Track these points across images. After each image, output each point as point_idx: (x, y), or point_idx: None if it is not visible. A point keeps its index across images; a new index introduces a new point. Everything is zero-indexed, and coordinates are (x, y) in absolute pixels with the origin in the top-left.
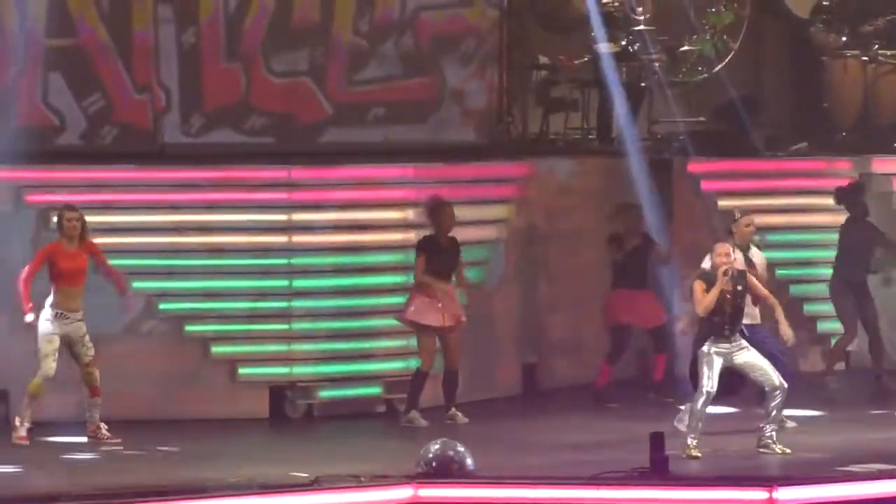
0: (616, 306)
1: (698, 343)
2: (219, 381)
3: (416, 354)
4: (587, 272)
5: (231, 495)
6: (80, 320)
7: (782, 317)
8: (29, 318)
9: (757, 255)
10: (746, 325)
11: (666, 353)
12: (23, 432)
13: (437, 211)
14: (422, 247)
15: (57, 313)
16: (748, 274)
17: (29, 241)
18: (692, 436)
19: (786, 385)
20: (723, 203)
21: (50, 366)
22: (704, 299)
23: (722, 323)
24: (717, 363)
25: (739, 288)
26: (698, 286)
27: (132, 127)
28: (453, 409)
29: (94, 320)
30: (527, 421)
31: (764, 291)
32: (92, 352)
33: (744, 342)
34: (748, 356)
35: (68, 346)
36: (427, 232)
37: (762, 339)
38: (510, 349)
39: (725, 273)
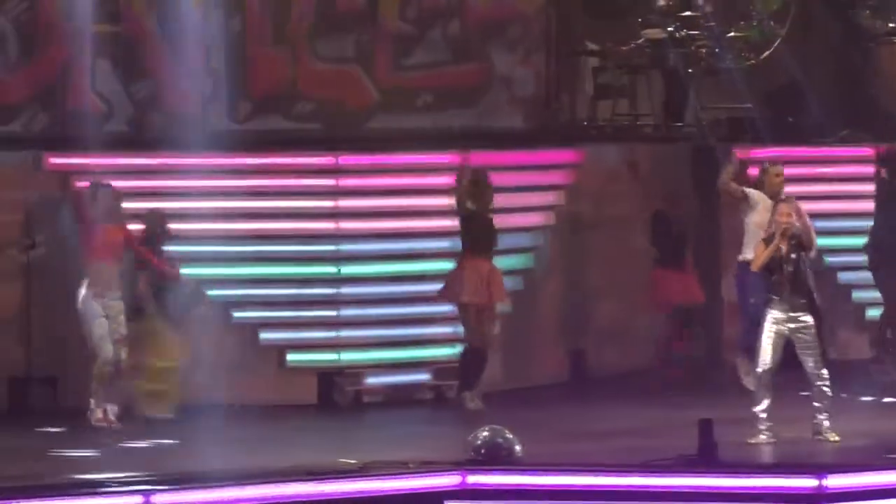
0: (665, 284)
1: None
2: (267, 367)
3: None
4: (636, 259)
5: (279, 481)
6: (117, 299)
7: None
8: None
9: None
10: None
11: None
12: (100, 414)
13: (480, 185)
14: (465, 223)
15: (93, 293)
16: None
17: (76, 228)
18: (759, 414)
19: (822, 373)
20: None
21: (108, 348)
22: (760, 255)
23: (780, 283)
24: (772, 332)
25: (797, 253)
26: (760, 245)
27: (180, 113)
28: (465, 393)
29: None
30: (574, 408)
31: (811, 239)
32: (124, 330)
33: (804, 316)
34: (803, 332)
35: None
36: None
37: None
38: (558, 336)
39: (784, 233)
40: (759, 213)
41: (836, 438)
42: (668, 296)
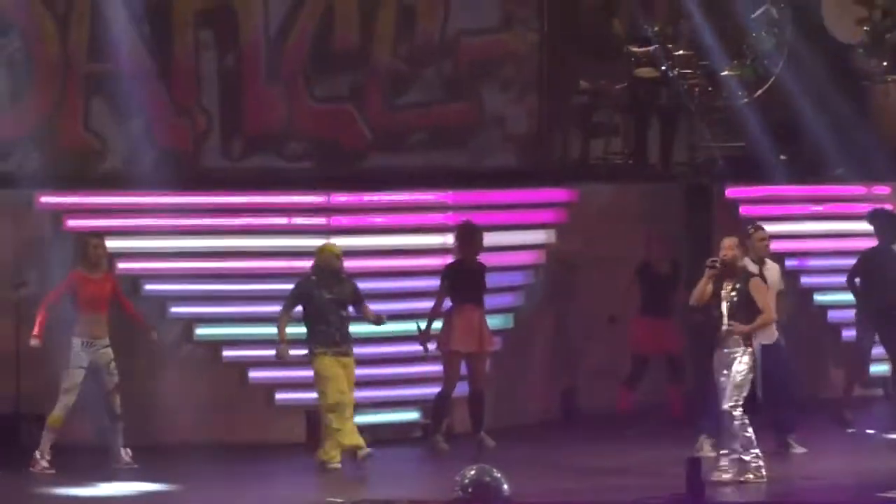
0: (638, 333)
1: None
2: (256, 406)
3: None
4: (626, 298)
5: None
6: (106, 346)
7: (755, 327)
8: (34, 343)
9: (771, 271)
10: (764, 345)
11: (682, 385)
12: (44, 464)
13: (469, 235)
14: (446, 275)
15: (83, 342)
16: (752, 279)
17: (67, 267)
18: (722, 453)
19: (728, 411)
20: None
21: (71, 399)
22: (696, 290)
23: (718, 318)
24: (717, 370)
25: (737, 287)
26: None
27: (173, 151)
28: (482, 433)
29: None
30: (564, 446)
31: (761, 301)
32: (116, 379)
33: (739, 351)
34: (735, 366)
35: (93, 372)
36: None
37: (775, 361)
38: (548, 374)
39: (710, 265)
40: None
41: (757, 478)
42: (639, 345)
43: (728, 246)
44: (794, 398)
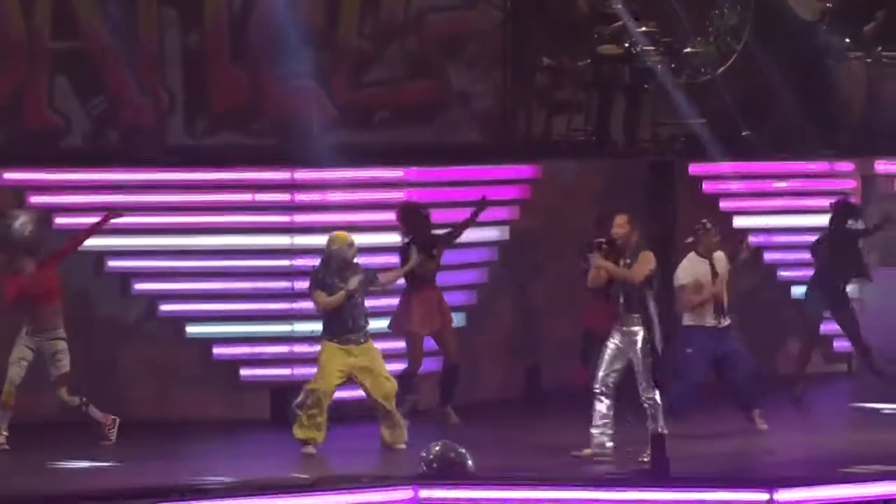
0: (589, 310)
1: None
2: (220, 382)
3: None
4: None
5: (231, 496)
6: (53, 338)
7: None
8: None
9: (720, 262)
10: (709, 327)
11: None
12: (1, 439)
13: (415, 216)
14: (403, 255)
15: (27, 329)
16: (643, 252)
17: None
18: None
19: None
20: (725, 205)
21: (15, 373)
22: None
23: (615, 297)
24: (609, 351)
25: (628, 264)
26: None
27: (136, 129)
28: (448, 408)
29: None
30: (528, 423)
31: (637, 268)
32: (64, 370)
33: (638, 331)
34: (634, 350)
35: (43, 361)
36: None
37: (722, 341)
38: (511, 351)
39: (597, 246)
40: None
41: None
42: (590, 322)
43: (619, 223)
44: (750, 376)
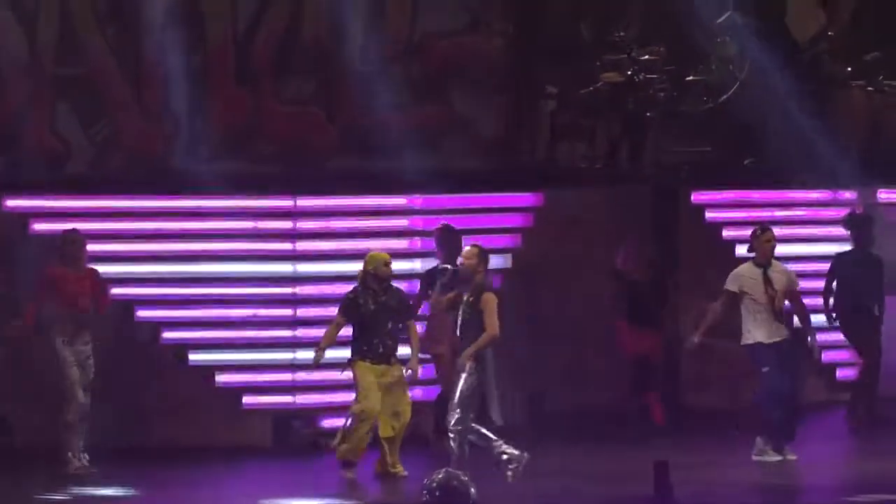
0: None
1: None
2: (222, 409)
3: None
4: (593, 301)
5: None
6: (86, 344)
7: (479, 346)
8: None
9: (777, 272)
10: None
11: (655, 391)
12: (77, 463)
13: (448, 238)
14: (425, 278)
15: (64, 340)
16: (485, 294)
17: (32, 271)
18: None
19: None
20: (728, 233)
21: (80, 394)
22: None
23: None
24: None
25: (470, 301)
26: None
27: (140, 154)
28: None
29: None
30: (531, 449)
31: (488, 319)
32: (92, 376)
33: (466, 367)
34: (460, 382)
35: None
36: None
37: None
38: (515, 377)
39: (441, 272)
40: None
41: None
42: (632, 348)
43: (466, 255)
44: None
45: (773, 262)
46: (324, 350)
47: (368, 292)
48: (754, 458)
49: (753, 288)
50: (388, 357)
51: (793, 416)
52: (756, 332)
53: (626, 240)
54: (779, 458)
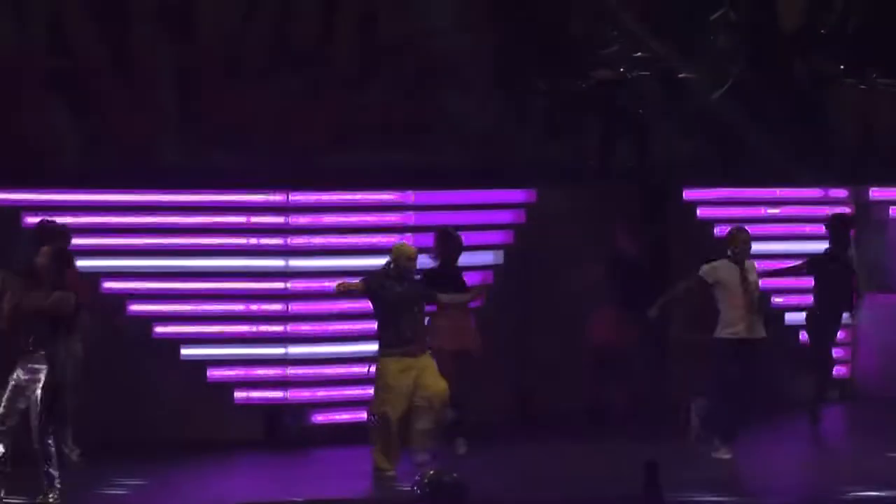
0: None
1: None
2: (214, 404)
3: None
4: (584, 298)
5: None
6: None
7: None
8: None
9: (751, 269)
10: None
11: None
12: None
13: (447, 239)
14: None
15: None
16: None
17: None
18: None
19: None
20: (719, 230)
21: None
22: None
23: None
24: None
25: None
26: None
27: (131, 149)
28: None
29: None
30: (522, 446)
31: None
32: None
33: (41, 369)
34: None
35: None
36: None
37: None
38: (505, 374)
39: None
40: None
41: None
42: (599, 336)
43: (42, 253)
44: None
45: (747, 262)
46: (340, 289)
47: (390, 281)
48: (713, 455)
49: (730, 282)
50: (415, 344)
51: (744, 415)
52: (734, 327)
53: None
54: (728, 455)
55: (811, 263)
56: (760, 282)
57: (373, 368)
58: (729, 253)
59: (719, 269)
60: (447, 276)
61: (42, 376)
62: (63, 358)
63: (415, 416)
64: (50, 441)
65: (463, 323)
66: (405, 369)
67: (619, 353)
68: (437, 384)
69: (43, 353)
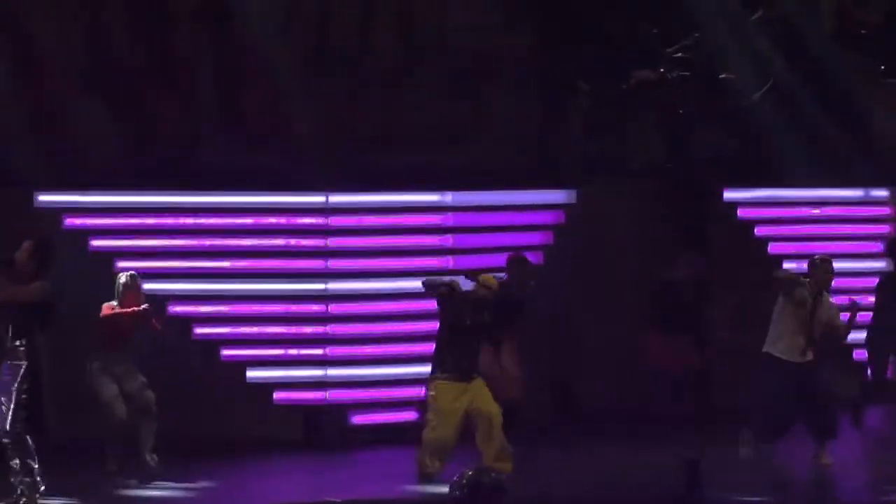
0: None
1: None
2: (254, 404)
3: None
4: (627, 298)
5: None
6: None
7: None
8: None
9: (825, 305)
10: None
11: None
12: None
13: (517, 265)
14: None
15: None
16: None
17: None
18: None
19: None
20: (760, 231)
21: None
22: None
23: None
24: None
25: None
26: None
27: (170, 150)
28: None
29: None
30: (562, 445)
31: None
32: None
33: (21, 364)
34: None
35: None
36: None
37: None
38: (548, 372)
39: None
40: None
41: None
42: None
43: (24, 247)
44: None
45: (825, 293)
46: (482, 281)
47: (468, 306)
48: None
49: (802, 304)
50: (470, 374)
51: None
52: (785, 348)
53: (682, 252)
54: (750, 455)
55: (883, 290)
56: (837, 317)
57: (426, 391)
58: (808, 279)
59: (804, 290)
60: (516, 303)
61: (22, 371)
62: (39, 348)
63: (479, 436)
64: (27, 436)
65: (507, 366)
66: (460, 392)
67: (682, 376)
68: (489, 407)
69: (22, 347)
